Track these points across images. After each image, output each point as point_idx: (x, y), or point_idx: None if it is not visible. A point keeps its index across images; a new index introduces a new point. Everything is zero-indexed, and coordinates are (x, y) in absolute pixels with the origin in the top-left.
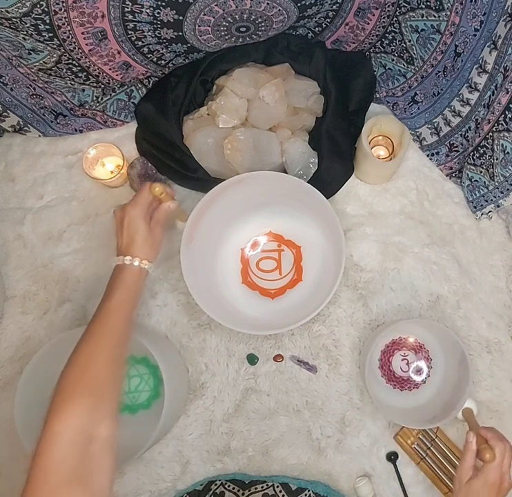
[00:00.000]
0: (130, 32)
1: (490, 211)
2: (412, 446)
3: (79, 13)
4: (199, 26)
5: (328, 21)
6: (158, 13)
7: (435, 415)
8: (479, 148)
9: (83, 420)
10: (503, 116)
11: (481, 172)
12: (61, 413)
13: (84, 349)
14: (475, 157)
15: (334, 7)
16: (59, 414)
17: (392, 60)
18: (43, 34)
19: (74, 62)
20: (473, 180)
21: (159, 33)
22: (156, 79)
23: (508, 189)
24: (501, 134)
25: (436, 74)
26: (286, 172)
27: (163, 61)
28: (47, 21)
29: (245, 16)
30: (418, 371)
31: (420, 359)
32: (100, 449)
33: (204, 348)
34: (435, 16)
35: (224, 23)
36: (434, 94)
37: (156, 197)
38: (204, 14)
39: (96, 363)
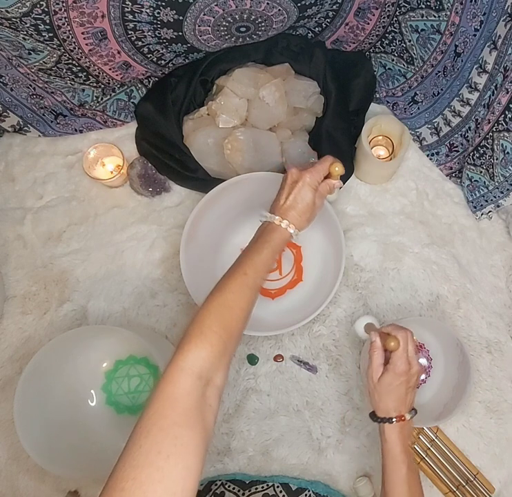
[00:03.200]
0: (130, 32)
1: (490, 211)
2: (412, 446)
3: (79, 13)
4: (199, 26)
5: (328, 21)
6: (158, 13)
7: (435, 415)
8: (479, 148)
9: (207, 363)
10: (503, 116)
11: (481, 172)
12: (193, 346)
13: (228, 293)
14: (475, 157)
15: (334, 7)
16: (190, 347)
17: (392, 60)
18: (43, 34)
19: (74, 62)
20: (473, 180)
21: (159, 33)
22: (156, 79)
23: (508, 189)
24: (501, 134)
25: (436, 74)
26: (286, 172)
27: (163, 61)
28: (47, 21)
29: (245, 16)
30: None
31: (420, 359)
32: (214, 394)
33: None
34: (435, 16)
35: (224, 23)
36: (434, 94)
37: (330, 173)
38: (204, 14)
39: (236, 310)
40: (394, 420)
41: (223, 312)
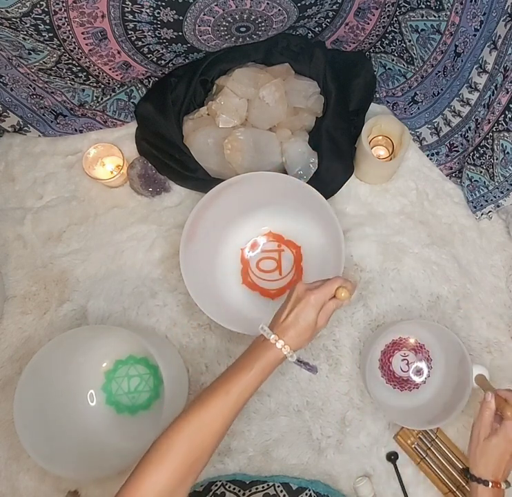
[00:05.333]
0: (130, 32)
1: (490, 211)
2: (412, 446)
3: (79, 13)
4: (199, 26)
5: (328, 21)
6: (158, 13)
7: (435, 415)
8: (479, 148)
9: (166, 491)
10: (503, 116)
11: (481, 172)
12: (153, 469)
13: (205, 413)
14: (475, 157)
15: (334, 7)
16: (150, 470)
17: (392, 60)
18: (43, 34)
19: (74, 62)
20: (473, 180)
21: (159, 33)
22: (156, 79)
23: (508, 189)
24: (501, 134)
25: (436, 74)
26: (286, 172)
27: (163, 61)
28: (47, 21)
29: (245, 16)
30: (418, 371)
31: (420, 359)
32: None
33: (204, 348)
34: (435, 16)
35: (224, 23)
36: (434, 94)
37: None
38: (204, 14)
39: (209, 434)
40: (490, 484)
41: (195, 434)
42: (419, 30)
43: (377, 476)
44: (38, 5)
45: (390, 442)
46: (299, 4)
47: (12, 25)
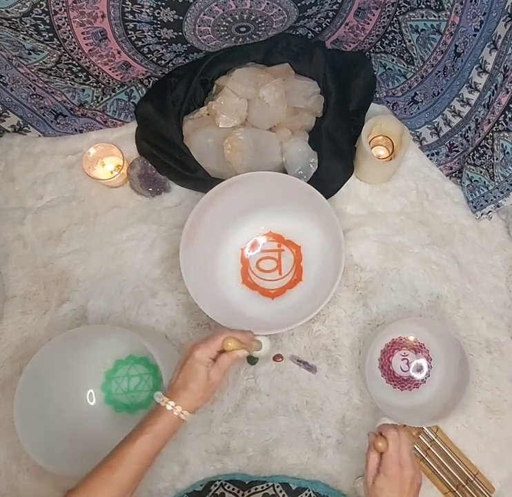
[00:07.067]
0: (130, 32)
1: (490, 211)
2: (412, 446)
3: (79, 13)
4: (199, 26)
5: (328, 21)
6: (158, 13)
7: (435, 415)
8: (479, 148)
9: None
10: (503, 116)
11: (481, 172)
12: None
13: (84, 492)
14: (475, 157)
15: (334, 7)
16: None
17: (392, 60)
18: (43, 34)
19: (74, 62)
20: (473, 180)
21: (159, 33)
22: (156, 79)
23: (508, 189)
24: (501, 134)
25: (436, 74)
26: (286, 172)
27: (163, 61)
28: (47, 21)
29: (245, 16)
30: (419, 369)
31: (420, 357)
32: None
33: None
34: (435, 16)
35: (224, 23)
36: (434, 94)
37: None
38: (204, 14)
39: None
40: None
41: None
42: (419, 30)
43: None
44: (38, 5)
45: None
46: (299, 4)
47: (12, 25)
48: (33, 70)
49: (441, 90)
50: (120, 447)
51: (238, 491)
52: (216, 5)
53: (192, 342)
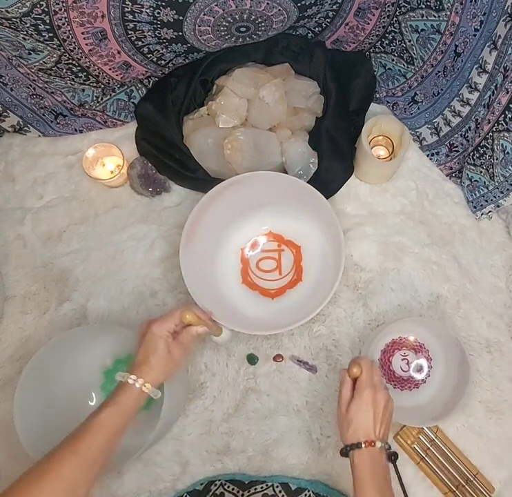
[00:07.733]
0: (130, 32)
1: (490, 211)
2: (412, 446)
3: (79, 13)
4: (199, 26)
5: (328, 21)
6: (158, 13)
7: (435, 415)
8: (479, 148)
9: None
10: (503, 116)
11: (481, 172)
12: None
13: (49, 463)
14: (475, 157)
15: (334, 7)
16: None
17: (392, 60)
18: (43, 34)
19: (74, 62)
20: (473, 180)
21: (159, 33)
22: (156, 79)
23: (508, 189)
24: (501, 134)
25: (436, 74)
26: (286, 172)
27: (163, 61)
28: (47, 21)
29: (245, 16)
30: (419, 369)
31: (421, 357)
32: None
33: (204, 347)
34: (435, 16)
35: (224, 23)
36: (434, 94)
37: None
38: (204, 14)
39: (56, 485)
40: (363, 445)
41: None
42: (419, 30)
43: None
44: (38, 5)
45: (390, 442)
46: (299, 4)
47: (12, 25)
48: (33, 70)
49: (441, 90)
50: (86, 420)
51: (238, 491)
52: (216, 5)
53: (148, 319)
